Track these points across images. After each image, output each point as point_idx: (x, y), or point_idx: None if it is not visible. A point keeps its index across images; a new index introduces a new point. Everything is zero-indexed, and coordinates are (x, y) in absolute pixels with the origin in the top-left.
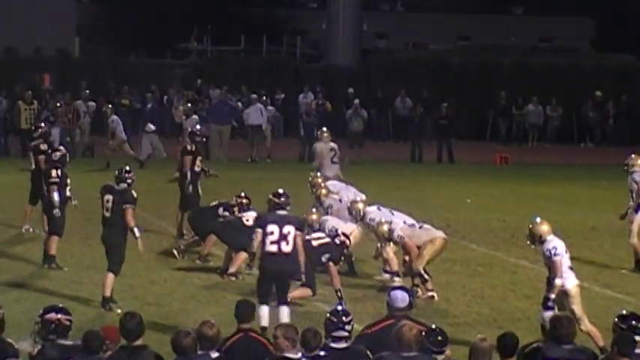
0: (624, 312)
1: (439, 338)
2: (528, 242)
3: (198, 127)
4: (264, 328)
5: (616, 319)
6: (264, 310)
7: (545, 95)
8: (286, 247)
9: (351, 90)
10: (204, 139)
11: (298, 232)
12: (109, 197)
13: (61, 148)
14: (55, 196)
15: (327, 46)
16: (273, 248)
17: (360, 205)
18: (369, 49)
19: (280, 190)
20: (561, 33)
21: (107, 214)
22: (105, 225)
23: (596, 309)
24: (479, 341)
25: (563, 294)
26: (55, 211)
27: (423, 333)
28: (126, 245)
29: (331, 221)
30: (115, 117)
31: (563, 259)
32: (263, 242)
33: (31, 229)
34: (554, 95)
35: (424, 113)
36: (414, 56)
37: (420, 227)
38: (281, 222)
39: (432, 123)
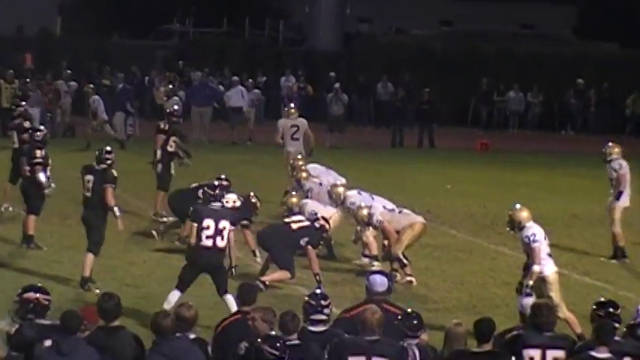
0: (602, 299)
1: (414, 322)
2: (508, 228)
3: (175, 107)
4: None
5: (594, 307)
6: (174, 295)
7: (527, 82)
8: (221, 243)
9: (332, 74)
10: (180, 120)
11: (232, 227)
12: (89, 177)
13: (42, 127)
14: (42, 176)
15: (309, 29)
16: (209, 243)
17: (341, 189)
18: (352, 33)
19: (216, 182)
20: (544, 20)
21: (88, 194)
22: (85, 205)
23: (575, 296)
24: (454, 326)
25: (542, 280)
26: (46, 191)
27: (399, 317)
28: (106, 226)
29: (311, 205)
30: (96, 97)
31: (542, 246)
32: (198, 236)
33: (10, 208)
34: (536, 82)
35: (405, 98)
36: (396, 41)
37: (400, 212)
38: (216, 216)
39: (414, 108)
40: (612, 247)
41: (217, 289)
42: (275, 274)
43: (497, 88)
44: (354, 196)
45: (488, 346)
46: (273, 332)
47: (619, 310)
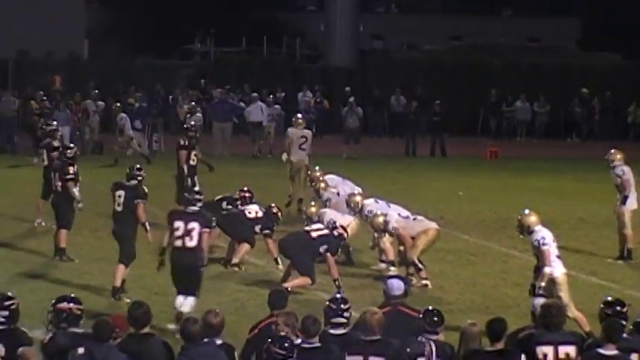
0: (609, 298)
1: (435, 319)
2: (517, 233)
3: (192, 122)
4: (180, 314)
5: (602, 305)
6: (179, 300)
7: (533, 93)
8: (190, 242)
9: (347, 88)
10: (197, 134)
11: (206, 230)
12: (120, 193)
13: (72, 145)
14: (75, 191)
15: (325, 46)
16: (179, 243)
17: (358, 198)
18: (366, 50)
19: (196, 188)
20: (549, 33)
21: (118, 209)
22: (116, 219)
23: (583, 296)
24: (469, 326)
25: (551, 281)
26: (79, 205)
27: (420, 315)
28: (136, 238)
29: (329, 214)
30: (123, 115)
31: (552, 249)
32: (170, 237)
33: (43, 223)
34: (543, 93)
35: (418, 110)
36: (408, 56)
37: (414, 219)
38: (187, 218)
39: (426, 119)
40: (619, 249)
41: (185, 287)
42: (296, 281)
43: (506, 98)
44: (371, 204)
45: (500, 345)
46: (296, 335)
47: (626, 309)
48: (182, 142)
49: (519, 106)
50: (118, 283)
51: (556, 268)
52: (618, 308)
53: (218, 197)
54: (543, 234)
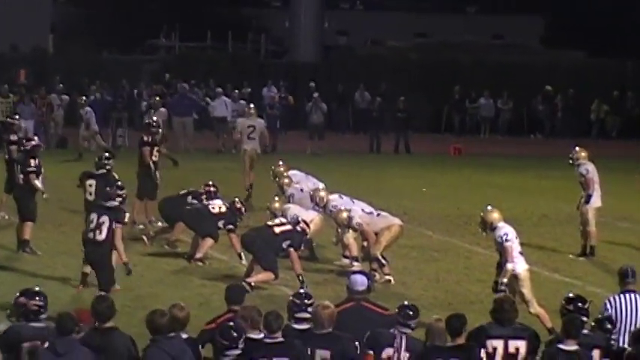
0: (571, 295)
1: (409, 313)
2: (480, 229)
3: (154, 118)
4: None
5: (563, 302)
6: None
7: (498, 90)
8: (99, 236)
9: (312, 84)
10: (159, 130)
11: (118, 225)
12: (91, 182)
13: (35, 138)
14: (38, 183)
15: (290, 42)
16: (90, 235)
17: (323, 193)
18: (331, 46)
19: (119, 183)
20: (513, 31)
21: (90, 198)
22: (88, 209)
23: (545, 292)
24: (435, 322)
25: (514, 278)
26: (44, 196)
27: (396, 309)
28: None
29: (293, 209)
30: (88, 108)
31: (514, 245)
32: (85, 229)
33: (6, 217)
34: (507, 90)
35: (382, 106)
36: (373, 52)
37: (378, 215)
38: (100, 212)
39: (390, 116)
40: (581, 245)
41: (98, 284)
42: (260, 276)
43: (469, 95)
44: (335, 199)
45: (460, 340)
46: (258, 329)
47: (587, 305)
48: (145, 139)
49: (483, 103)
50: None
51: (518, 265)
52: (580, 304)
53: (183, 192)
54: (506, 230)
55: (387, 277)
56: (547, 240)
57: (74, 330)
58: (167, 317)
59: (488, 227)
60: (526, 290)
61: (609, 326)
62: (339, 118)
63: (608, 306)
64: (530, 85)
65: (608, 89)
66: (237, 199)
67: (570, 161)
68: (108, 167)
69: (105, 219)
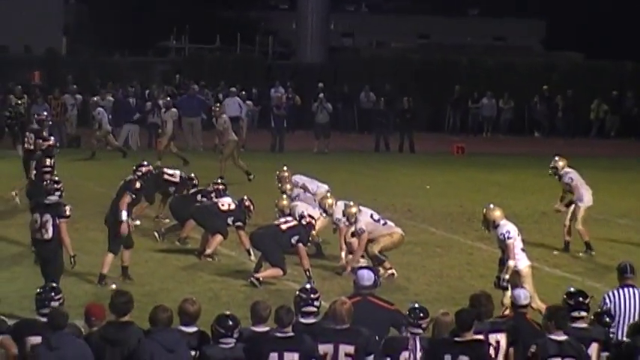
0: (572, 289)
1: (420, 314)
2: (483, 227)
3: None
4: None
5: (564, 296)
6: None
7: (498, 90)
8: (46, 235)
9: (320, 84)
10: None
11: (62, 220)
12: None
13: (52, 138)
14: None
15: (296, 44)
16: (38, 235)
17: (330, 201)
18: (336, 47)
19: (55, 178)
20: (514, 33)
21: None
22: (111, 208)
23: (547, 287)
24: (441, 315)
25: (516, 274)
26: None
27: (407, 312)
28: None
29: (300, 206)
30: (100, 109)
31: (516, 242)
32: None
33: (17, 199)
34: (508, 90)
35: (387, 106)
36: (377, 54)
37: (384, 224)
38: (41, 211)
39: (394, 115)
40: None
41: (45, 278)
42: (268, 272)
43: (471, 95)
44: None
45: (469, 335)
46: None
47: (588, 300)
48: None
49: (485, 103)
50: (105, 271)
51: (520, 261)
52: (580, 299)
53: (192, 190)
54: (508, 228)
55: (390, 271)
56: (548, 237)
57: (66, 325)
58: (168, 314)
59: (491, 225)
60: (528, 286)
61: (608, 320)
62: (345, 118)
63: (607, 300)
64: (531, 86)
65: (607, 89)
66: (245, 197)
67: (550, 171)
68: (138, 174)
69: (47, 217)
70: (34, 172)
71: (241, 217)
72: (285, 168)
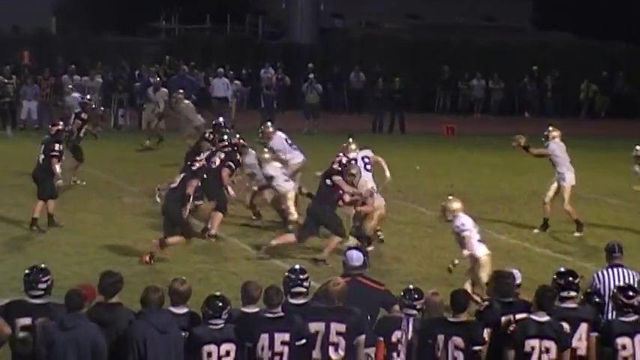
0: (562, 269)
1: (415, 295)
2: (440, 217)
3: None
4: None
5: (554, 276)
6: None
7: (489, 71)
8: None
9: (311, 65)
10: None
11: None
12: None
13: (60, 123)
14: (57, 168)
15: (286, 24)
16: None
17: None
18: (326, 28)
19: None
20: (504, 13)
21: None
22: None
23: (537, 267)
24: (431, 295)
25: (475, 261)
26: (58, 182)
27: (402, 293)
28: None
29: (270, 168)
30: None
31: (472, 234)
32: None
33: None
34: (498, 71)
35: (383, 87)
36: (367, 34)
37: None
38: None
39: (386, 96)
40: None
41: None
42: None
43: (461, 76)
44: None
45: (464, 316)
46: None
47: (578, 280)
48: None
49: (475, 84)
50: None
51: (478, 250)
52: (570, 279)
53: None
54: (463, 220)
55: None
56: (538, 217)
57: (83, 306)
58: (159, 295)
59: (448, 216)
60: (483, 274)
61: (598, 300)
62: (335, 99)
63: (596, 280)
64: (521, 66)
65: (596, 70)
66: (238, 136)
67: (543, 138)
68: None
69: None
70: (42, 156)
71: (232, 158)
72: (269, 124)
